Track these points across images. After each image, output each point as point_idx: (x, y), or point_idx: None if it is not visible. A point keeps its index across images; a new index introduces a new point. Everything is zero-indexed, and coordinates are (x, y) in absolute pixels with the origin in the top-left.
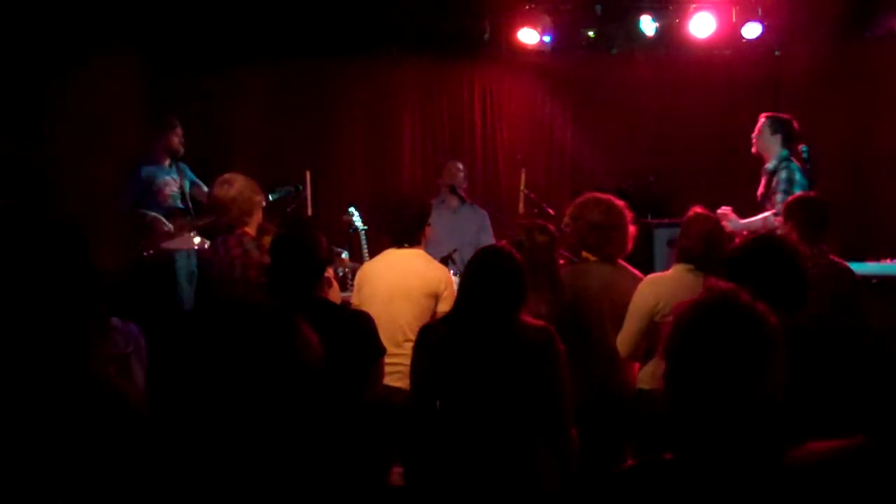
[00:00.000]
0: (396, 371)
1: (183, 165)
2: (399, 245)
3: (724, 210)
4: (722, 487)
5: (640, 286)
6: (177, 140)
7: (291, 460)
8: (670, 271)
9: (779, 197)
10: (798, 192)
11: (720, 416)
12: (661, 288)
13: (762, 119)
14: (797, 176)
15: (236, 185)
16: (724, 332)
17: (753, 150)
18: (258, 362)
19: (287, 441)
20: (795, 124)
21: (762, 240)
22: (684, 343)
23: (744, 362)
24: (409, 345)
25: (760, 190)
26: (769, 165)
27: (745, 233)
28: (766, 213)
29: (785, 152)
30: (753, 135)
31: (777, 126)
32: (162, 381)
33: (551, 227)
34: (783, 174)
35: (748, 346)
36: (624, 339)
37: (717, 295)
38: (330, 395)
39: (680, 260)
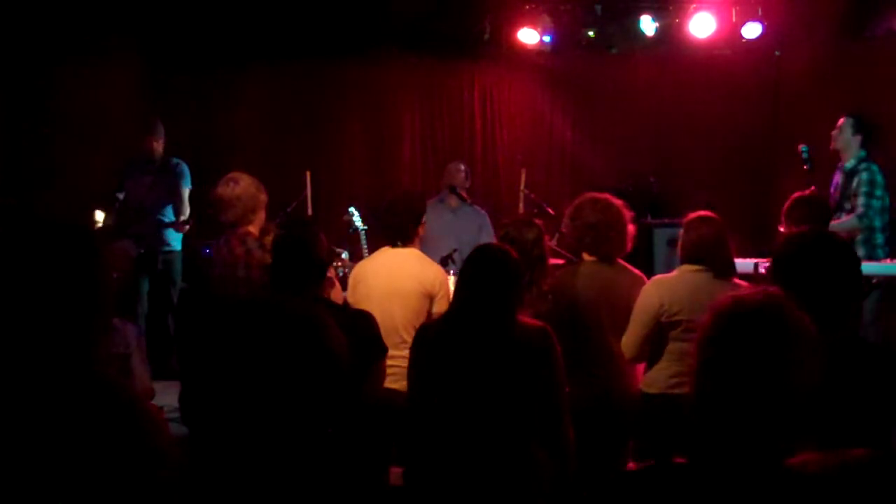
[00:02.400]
0: (393, 373)
1: (183, 168)
2: (393, 244)
3: None
4: (738, 496)
5: (645, 288)
6: (155, 144)
7: (306, 454)
8: (675, 272)
9: (860, 199)
10: (879, 194)
11: (745, 422)
12: (665, 289)
13: (843, 118)
14: (878, 177)
15: (242, 183)
16: (761, 337)
17: (832, 146)
18: (297, 359)
19: (317, 434)
20: (874, 123)
21: (818, 237)
22: (718, 342)
23: (777, 371)
24: (406, 346)
25: (834, 189)
26: (847, 165)
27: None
28: (851, 216)
29: (863, 153)
30: (833, 132)
31: (859, 126)
32: (195, 374)
33: (538, 221)
34: (864, 175)
35: (784, 354)
36: (629, 342)
37: (760, 297)
38: (348, 393)
39: (683, 261)
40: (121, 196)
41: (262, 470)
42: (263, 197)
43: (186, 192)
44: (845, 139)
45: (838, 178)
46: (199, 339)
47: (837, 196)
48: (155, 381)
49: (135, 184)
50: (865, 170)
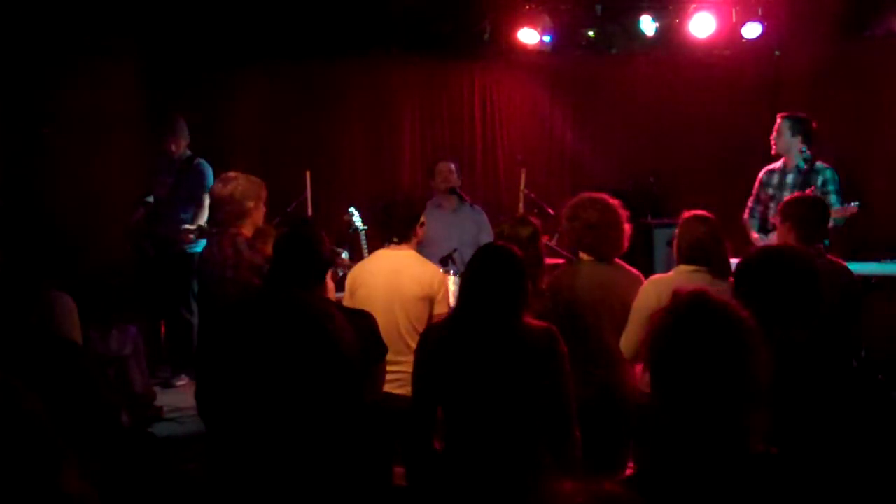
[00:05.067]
0: (397, 379)
1: (203, 169)
2: (390, 242)
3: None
4: (708, 488)
5: (643, 288)
6: (174, 146)
7: (328, 450)
8: (672, 272)
9: (833, 198)
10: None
11: (704, 416)
12: (662, 289)
13: (780, 119)
14: (836, 175)
15: (231, 184)
16: (700, 333)
17: (773, 150)
18: (301, 349)
19: (328, 429)
20: (814, 123)
21: (775, 252)
22: (661, 350)
23: (723, 361)
24: (410, 352)
25: (771, 190)
26: (798, 163)
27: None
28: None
29: (809, 154)
30: (772, 136)
31: (797, 127)
32: (209, 371)
33: (534, 219)
34: (828, 173)
35: (725, 344)
36: (628, 342)
37: (687, 299)
38: (340, 392)
39: (680, 261)
40: (150, 199)
41: (277, 464)
42: (253, 201)
43: (207, 197)
44: (786, 141)
45: (774, 178)
46: (207, 336)
47: (776, 196)
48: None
49: (158, 184)
50: (827, 168)
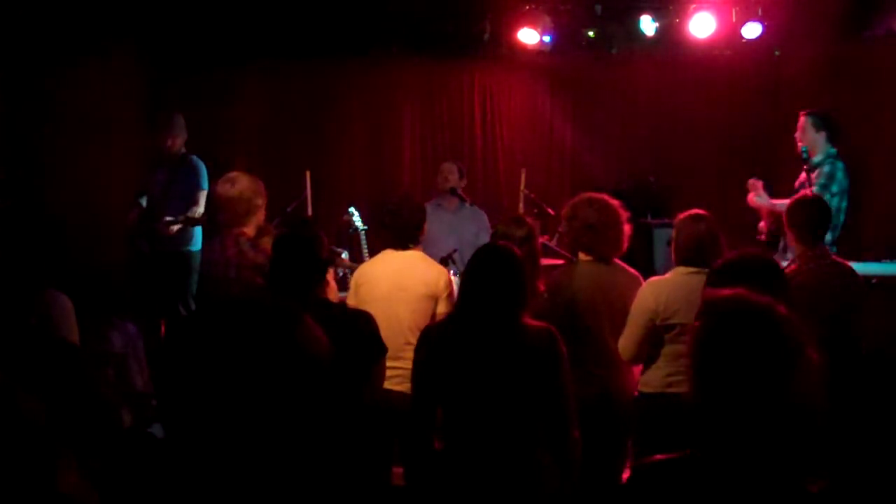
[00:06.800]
0: (397, 375)
1: (197, 165)
2: (404, 247)
3: (755, 182)
4: (744, 488)
5: (641, 290)
6: (170, 141)
7: (298, 455)
8: (669, 274)
9: (815, 189)
10: (835, 190)
11: (748, 416)
12: (660, 291)
13: (802, 117)
14: (839, 174)
15: (238, 184)
16: (751, 332)
17: (797, 148)
18: (262, 356)
19: (295, 435)
20: (837, 119)
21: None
22: (711, 344)
23: (770, 361)
24: (412, 349)
25: (800, 180)
26: (815, 159)
27: (772, 209)
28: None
29: (833, 150)
30: (796, 134)
31: (820, 123)
32: (168, 379)
33: (532, 219)
34: (826, 168)
35: (774, 346)
36: (626, 343)
37: (740, 297)
38: (333, 393)
39: (678, 262)
40: (143, 200)
41: (249, 472)
42: (261, 199)
43: (203, 194)
44: (811, 138)
45: (804, 173)
46: (175, 341)
47: (799, 187)
48: None
49: (153, 183)
50: (829, 164)
